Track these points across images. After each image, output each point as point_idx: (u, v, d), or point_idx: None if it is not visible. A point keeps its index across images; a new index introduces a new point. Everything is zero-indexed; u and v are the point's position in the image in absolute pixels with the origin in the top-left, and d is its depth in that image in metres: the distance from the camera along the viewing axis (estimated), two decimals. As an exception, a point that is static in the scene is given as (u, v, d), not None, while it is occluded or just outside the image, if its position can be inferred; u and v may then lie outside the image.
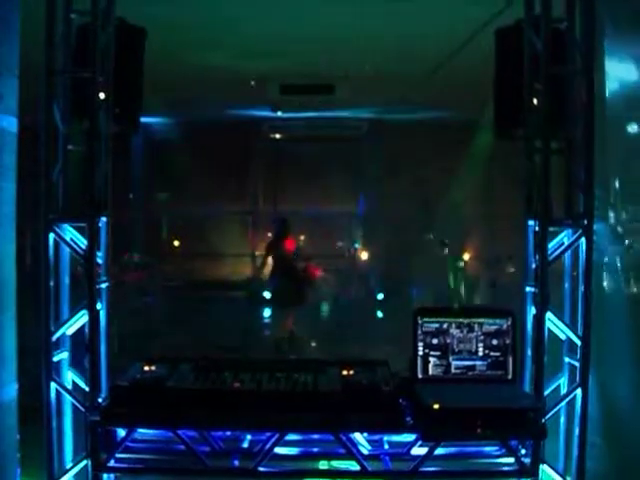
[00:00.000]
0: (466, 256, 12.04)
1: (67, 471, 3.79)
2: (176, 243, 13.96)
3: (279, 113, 10.76)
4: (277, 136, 12.56)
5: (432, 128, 10.57)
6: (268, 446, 3.52)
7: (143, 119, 4.15)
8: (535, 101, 3.84)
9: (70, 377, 3.92)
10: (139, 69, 4.07)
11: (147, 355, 3.94)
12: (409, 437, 3.64)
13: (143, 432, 3.75)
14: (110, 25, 3.82)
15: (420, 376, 3.72)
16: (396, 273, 11.38)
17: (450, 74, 7.28)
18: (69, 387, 3.87)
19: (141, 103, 4.11)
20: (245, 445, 3.84)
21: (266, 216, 13.19)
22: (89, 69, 3.68)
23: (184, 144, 11.67)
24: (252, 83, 8.66)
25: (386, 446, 3.82)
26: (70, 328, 3.83)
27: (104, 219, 3.88)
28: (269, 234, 13.00)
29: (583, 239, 3.83)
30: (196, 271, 13.16)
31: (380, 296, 11.62)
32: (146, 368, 3.73)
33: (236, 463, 3.73)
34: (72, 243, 3.79)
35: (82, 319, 3.77)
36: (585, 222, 3.83)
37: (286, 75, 8.15)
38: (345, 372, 3.72)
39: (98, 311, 3.79)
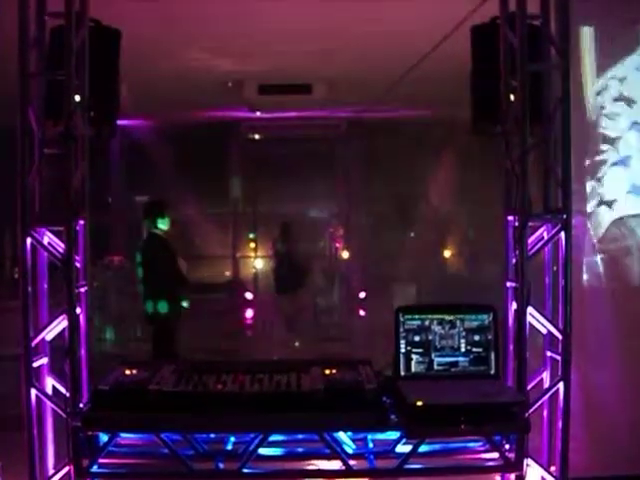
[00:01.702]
0: (447, 253, 12.09)
1: (49, 478, 3.75)
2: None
3: (257, 113, 10.72)
4: (256, 136, 12.52)
5: (411, 126, 10.57)
6: (252, 447, 3.51)
7: (121, 122, 4.12)
8: (512, 97, 3.86)
9: (50, 383, 3.88)
10: (115, 71, 4.04)
11: (128, 359, 3.90)
12: (393, 435, 3.63)
13: (126, 436, 3.73)
14: (84, 27, 3.78)
15: (403, 374, 3.72)
16: (377, 272, 11.38)
17: (428, 72, 7.28)
18: (49, 393, 3.83)
19: (117, 105, 4.08)
20: (229, 447, 3.82)
21: (247, 217, 13.15)
22: (63, 71, 3.64)
23: (162, 146, 11.59)
24: (229, 84, 8.61)
25: (370, 444, 3.81)
26: (50, 333, 3.79)
27: (82, 222, 3.85)
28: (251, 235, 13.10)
29: (562, 233, 3.86)
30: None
31: (361, 295, 11.63)
32: (127, 372, 3.70)
33: (221, 465, 3.72)
34: (50, 247, 3.75)
35: (62, 324, 3.74)
36: (564, 216, 3.86)
37: (264, 75, 8.12)
38: (328, 371, 3.71)
39: (78, 315, 3.75)
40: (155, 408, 3.43)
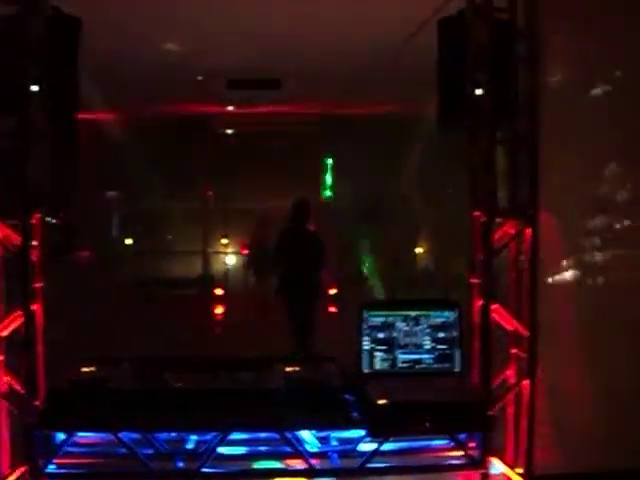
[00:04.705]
0: (419, 249, 12.09)
1: (4, 478, 3.65)
2: (128, 241, 13.75)
3: (229, 108, 10.62)
4: (228, 132, 12.43)
5: (383, 122, 10.54)
6: (211, 446, 3.43)
7: (90, 115, 4.02)
8: (479, 91, 3.82)
9: (6, 380, 3.77)
10: (74, 62, 3.92)
11: (86, 356, 3.81)
12: (360, 433, 3.58)
13: (84, 435, 3.64)
14: (42, 14, 3.67)
15: (366, 371, 3.66)
16: (350, 267, 11.36)
17: (398, 66, 7.24)
18: (5, 391, 3.72)
19: (77, 97, 3.96)
20: (191, 446, 3.76)
21: (217, 213, 13.07)
22: (20, 60, 3.53)
23: (133, 141, 11.47)
24: (199, 78, 8.51)
25: (334, 443, 3.77)
26: (5, 330, 3.68)
27: (38, 216, 3.74)
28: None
29: (529, 230, 3.82)
30: (147, 269, 12.96)
31: (332, 291, 11.56)
32: (85, 369, 3.62)
33: (180, 465, 3.64)
34: (5, 241, 3.64)
35: (18, 320, 3.64)
36: (531, 212, 3.82)
37: (233, 70, 8.02)
38: (290, 369, 3.65)
39: (34, 312, 3.65)
40: (113, 407, 3.35)
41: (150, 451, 3.62)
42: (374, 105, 9.96)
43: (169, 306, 11.27)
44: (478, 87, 3.81)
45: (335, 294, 11.40)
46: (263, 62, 7.52)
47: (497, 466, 3.81)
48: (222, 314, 11.49)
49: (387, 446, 3.58)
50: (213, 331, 10.99)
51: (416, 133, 9.74)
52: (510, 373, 3.94)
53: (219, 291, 12.09)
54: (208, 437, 3.58)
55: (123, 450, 3.49)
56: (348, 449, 3.68)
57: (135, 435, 3.54)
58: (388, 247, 11.29)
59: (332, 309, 11.26)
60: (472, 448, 3.72)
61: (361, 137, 10.96)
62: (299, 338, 7.73)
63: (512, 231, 3.89)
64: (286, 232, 8.20)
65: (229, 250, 13.05)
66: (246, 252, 12.17)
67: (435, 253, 11.84)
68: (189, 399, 3.40)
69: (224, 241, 13.28)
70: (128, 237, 13.74)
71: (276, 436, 3.52)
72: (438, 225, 11.25)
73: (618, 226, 4.36)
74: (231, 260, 13.03)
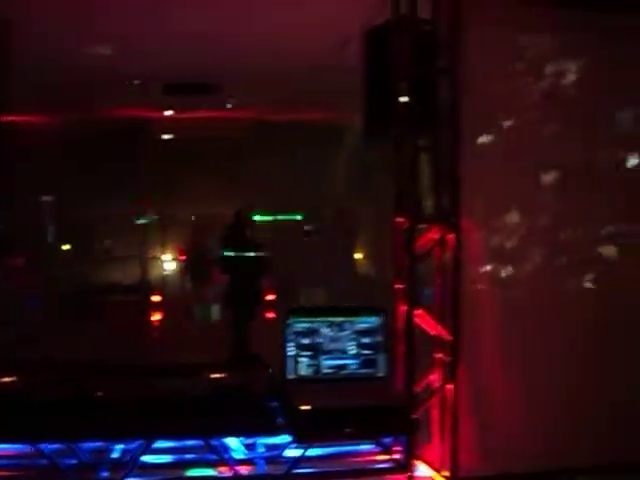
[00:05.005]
0: (358, 255, 12.16)
1: None
2: (64, 247, 13.49)
3: (167, 113, 10.53)
4: (165, 137, 12.32)
5: (320, 129, 10.58)
6: (134, 455, 3.40)
7: (24, 118, 3.95)
8: (404, 99, 3.87)
9: None
10: (3, 62, 3.85)
11: (5, 364, 3.74)
12: (286, 439, 3.59)
13: (3, 447, 3.56)
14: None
15: (291, 377, 3.67)
16: (286, 274, 11.35)
17: (330, 75, 7.28)
18: None
19: (6, 100, 3.90)
20: (116, 455, 3.70)
21: (156, 218, 12.93)
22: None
23: (70, 145, 11.27)
24: (135, 82, 8.42)
25: (262, 449, 3.76)
26: None
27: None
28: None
29: (451, 236, 3.89)
30: (84, 275, 12.73)
31: (270, 297, 11.52)
32: (4, 379, 3.54)
33: (105, 475, 3.59)
34: None
35: None
36: (453, 219, 3.89)
37: (170, 74, 7.96)
38: (216, 375, 3.64)
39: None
40: (33, 417, 3.29)
41: (73, 461, 3.56)
42: (311, 112, 10.00)
43: (104, 312, 11.11)
44: (403, 96, 3.86)
45: (273, 300, 11.39)
46: (201, 68, 7.50)
47: (422, 469, 3.87)
48: (158, 320, 11.37)
49: (313, 452, 3.60)
50: (149, 337, 10.88)
51: (348, 140, 9.84)
52: (434, 377, 4.00)
53: (156, 297, 11.96)
54: (133, 446, 3.54)
55: (44, 461, 3.43)
56: (274, 455, 3.69)
57: (57, 446, 3.48)
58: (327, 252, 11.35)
59: (270, 315, 11.25)
60: (397, 452, 3.76)
61: (300, 143, 11.01)
62: (238, 342, 7.76)
63: (436, 237, 3.95)
64: (225, 239, 8.28)
65: (167, 256, 12.93)
66: (183, 258, 12.12)
67: (375, 259, 11.94)
68: (113, 407, 3.36)
69: (162, 247, 13.16)
70: (64, 243, 13.50)
71: (203, 444, 3.51)
72: (378, 230, 11.36)
73: (541, 229, 4.45)
74: (169, 266, 12.91)
